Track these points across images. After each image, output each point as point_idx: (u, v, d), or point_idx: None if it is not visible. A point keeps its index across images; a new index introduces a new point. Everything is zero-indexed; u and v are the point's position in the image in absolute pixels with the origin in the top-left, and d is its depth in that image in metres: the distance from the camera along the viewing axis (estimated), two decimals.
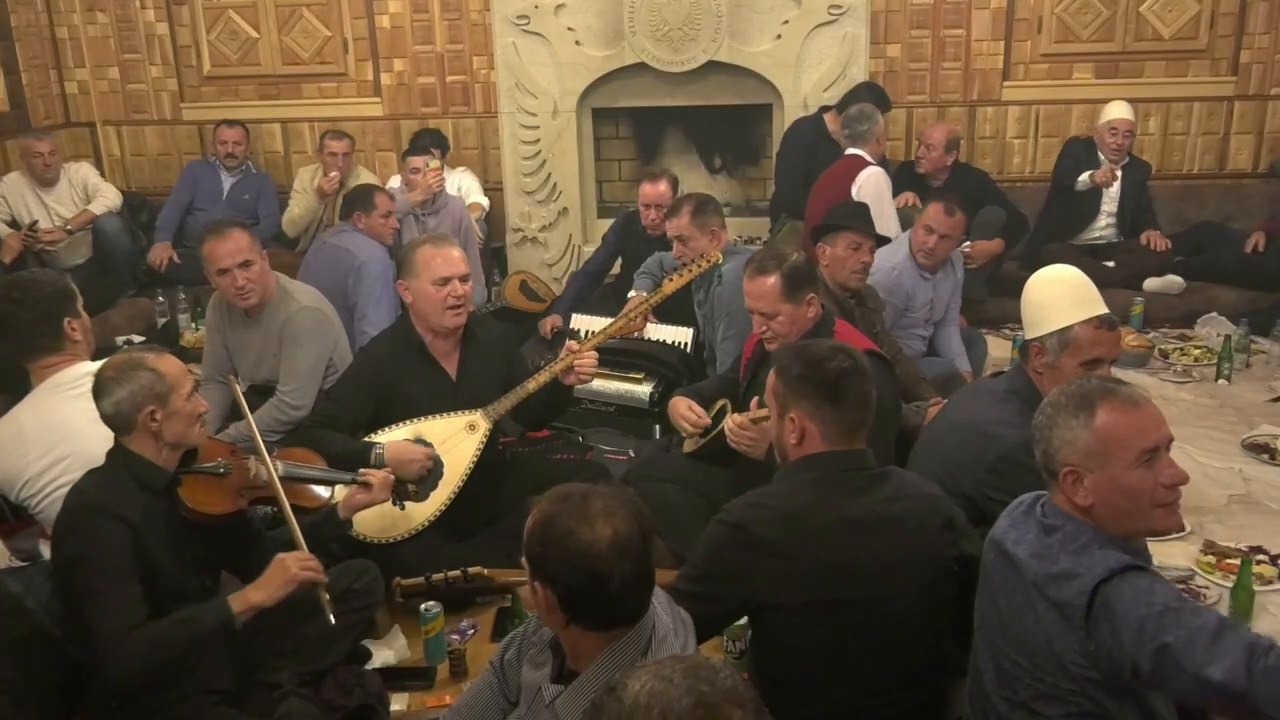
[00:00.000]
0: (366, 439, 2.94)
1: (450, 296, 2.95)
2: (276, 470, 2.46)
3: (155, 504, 2.24)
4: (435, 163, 5.02)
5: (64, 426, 2.58)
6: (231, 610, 2.19)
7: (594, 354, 3.06)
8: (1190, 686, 1.57)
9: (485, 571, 2.82)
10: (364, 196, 4.43)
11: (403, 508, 2.85)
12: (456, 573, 2.79)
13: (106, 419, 2.23)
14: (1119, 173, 5.14)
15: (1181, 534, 3.10)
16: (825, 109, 5.21)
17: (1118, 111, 5.19)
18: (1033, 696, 1.76)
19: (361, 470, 2.65)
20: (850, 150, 4.67)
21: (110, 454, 2.27)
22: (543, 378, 3.03)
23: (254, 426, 2.57)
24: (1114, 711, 1.69)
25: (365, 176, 5.68)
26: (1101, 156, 5.21)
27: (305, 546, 2.34)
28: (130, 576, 2.12)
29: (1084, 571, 1.68)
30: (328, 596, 2.30)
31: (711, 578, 1.99)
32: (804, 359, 2.08)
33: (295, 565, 2.25)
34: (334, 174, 5.33)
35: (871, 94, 5.04)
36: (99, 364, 2.34)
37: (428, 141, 5.52)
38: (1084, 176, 5.15)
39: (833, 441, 2.03)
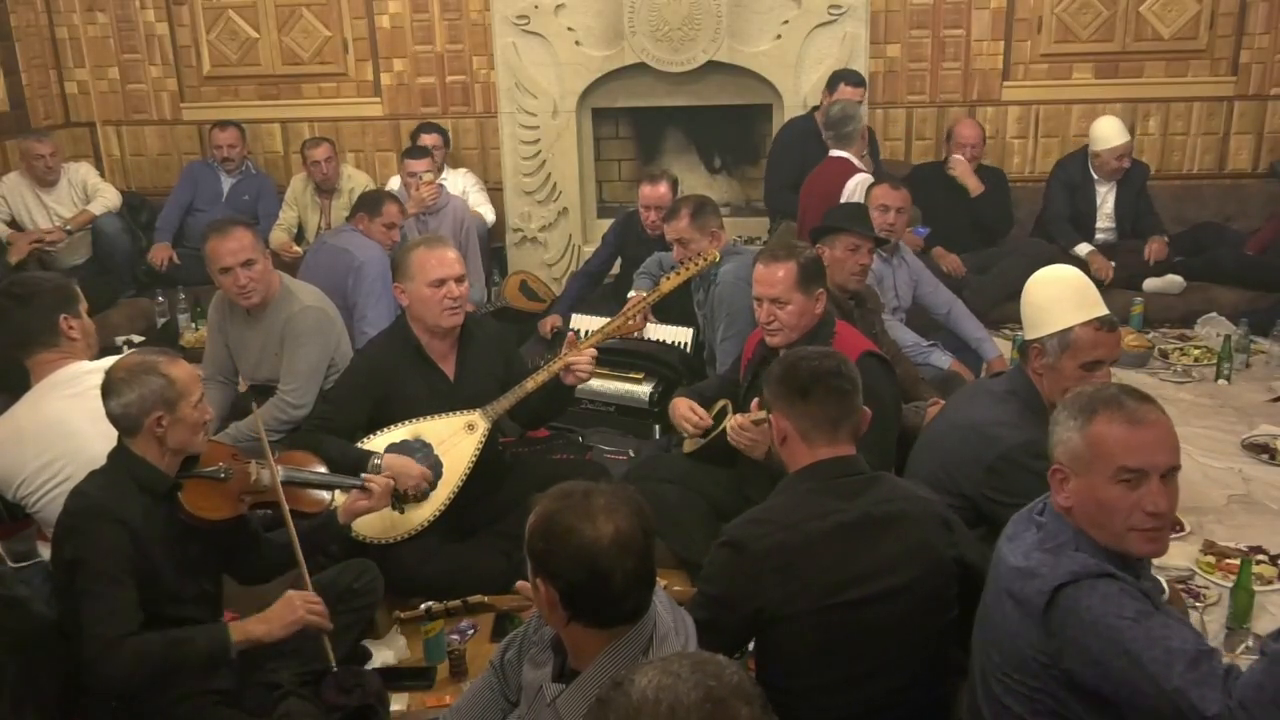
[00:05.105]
0: (364, 441, 2.94)
1: (446, 298, 2.95)
2: (278, 475, 2.45)
3: (155, 508, 2.23)
4: (430, 175, 5.00)
5: (62, 426, 2.57)
6: (230, 639, 2.18)
7: (592, 352, 3.05)
8: (1160, 705, 1.54)
9: (486, 599, 2.82)
10: (373, 202, 4.39)
11: (402, 511, 2.85)
12: (456, 602, 2.80)
13: (113, 419, 2.22)
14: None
15: (1181, 534, 3.11)
16: (817, 109, 5.18)
17: (1116, 138, 5.09)
18: (1004, 691, 1.76)
19: (364, 475, 2.65)
20: (835, 153, 4.58)
21: (112, 455, 2.26)
22: (542, 377, 3.02)
23: (262, 431, 2.55)
24: (1080, 713, 1.68)
25: (356, 176, 5.68)
26: (1094, 174, 5.19)
27: (310, 584, 2.34)
28: (126, 581, 2.11)
29: (1047, 572, 1.67)
30: (330, 645, 2.31)
31: (717, 601, 1.99)
32: (785, 362, 2.14)
33: (302, 607, 2.25)
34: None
35: (846, 77, 4.97)
36: (98, 364, 2.34)
37: (429, 133, 5.51)
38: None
39: (814, 442, 2.03)
